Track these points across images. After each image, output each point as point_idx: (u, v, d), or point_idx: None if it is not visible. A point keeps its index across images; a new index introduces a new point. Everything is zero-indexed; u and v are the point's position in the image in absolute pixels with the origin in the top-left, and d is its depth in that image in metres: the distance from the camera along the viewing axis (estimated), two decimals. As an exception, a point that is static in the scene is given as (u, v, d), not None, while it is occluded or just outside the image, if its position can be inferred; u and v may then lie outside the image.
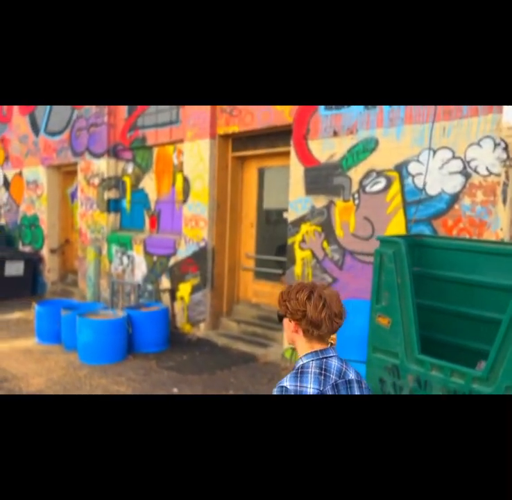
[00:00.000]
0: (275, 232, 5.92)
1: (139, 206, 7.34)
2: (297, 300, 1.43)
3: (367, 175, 4.46)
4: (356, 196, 4.55)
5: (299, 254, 5.05)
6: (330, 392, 1.42)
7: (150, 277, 6.87)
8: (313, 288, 1.45)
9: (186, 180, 6.30)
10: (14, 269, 8.61)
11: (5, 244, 9.69)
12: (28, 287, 8.85)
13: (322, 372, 1.44)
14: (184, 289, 6.38)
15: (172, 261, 6.55)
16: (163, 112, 6.75)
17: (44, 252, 9.07)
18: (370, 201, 4.45)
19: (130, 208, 7.50)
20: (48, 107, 8.76)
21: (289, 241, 5.19)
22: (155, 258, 6.81)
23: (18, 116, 9.61)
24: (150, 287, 6.82)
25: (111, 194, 7.59)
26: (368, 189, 4.46)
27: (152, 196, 7.10)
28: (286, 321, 1.51)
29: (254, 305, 6.20)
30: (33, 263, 8.96)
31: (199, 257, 6.17)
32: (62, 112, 8.41)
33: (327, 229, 4.78)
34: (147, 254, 6.91)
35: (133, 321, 5.50)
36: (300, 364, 1.49)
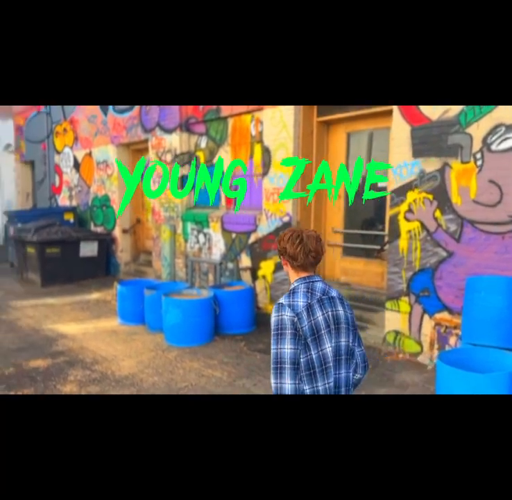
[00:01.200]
0: (367, 203, 5.38)
1: (214, 182, 7.01)
2: (283, 240, 1.84)
3: (493, 131, 3.81)
4: (478, 156, 3.92)
5: (404, 226, 4.50)
6: (316, 305, 1.77)
7: (228, 255, 6.56)
8: (295, 231, 1.84)
9: (266, 150, 5.87)
10: (89, 249, 8.63)
11: (78, 225, 9.77)
12: (102, 268, 8.87)
13: (309, 291, 1.80)
14: (267, 267, 6.02)
15: (252, 238, 6.19)
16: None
17: (116, 232, 9.02)
18: (498, 161, 3.80)
19: (206, 184, 7.19)
20: (116, 84, 8.56)
21: (391, 212, 4.64)
22: (233, 236, 6.48)
23: (86, 96, 9.52)
24: (230, 265, 6.52)
25: (184, 171, 7.31)
26: (494, 147, 3.82)
27: (228, 169, 6.73)
28: (282, 258, 1.89)
29: (343, 284, 5.73)
30: (106, 244, 8.95)
31: (283, 233, 5.76)
32: (130, 87, 8.18)
33: (441, 196, 4.19)
34: (225, 231, 6.59)
35: (219, 301, 5.21)
36: (292, 287, 1.84)
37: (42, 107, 11.28)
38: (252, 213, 6.22)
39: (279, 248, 1.87)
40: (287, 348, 1.69)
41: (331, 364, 1.75)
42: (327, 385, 1.74)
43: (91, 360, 4.61)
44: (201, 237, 7.01)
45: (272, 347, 1.73)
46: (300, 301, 1.75)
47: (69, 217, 9.73)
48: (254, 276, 6.20)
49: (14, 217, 9.68)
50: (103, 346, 5.04)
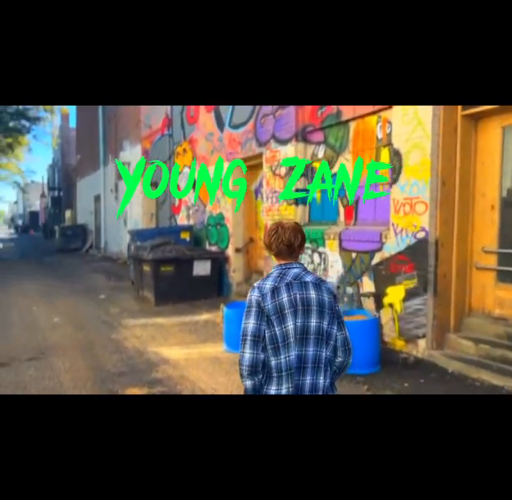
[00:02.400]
0: (533, 215, 4.13)
1: (327, 193, 6.24)
2: (265, 233, 2.11)
3: None
4: None
5: None
6: (284, 288, 1.97)
7: (347, 278, 5.68)
8: (275, 223, 2.10)
9: (396, 154, 4.94)
10: (202, 268, 8.39)
11: (194, 244, 9.69)
12: (214, 288, 8.57)
13: (280, 275, 2.02)
14: (395, 293, 5.01)
15: (377, 258, 5.24)
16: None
17: (229, 251, 8.69)
18: None
19: (321, 198, 6.45)
20: (232, 99, 8.35)
21: None
22: (353, 255, 5.60)
23: (204, 114, 9.53)
24: (349, 290, 5.63)
25: (299, 184, 6.66)
26: None
27: (347, 181, 5.91)
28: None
29: (497, 318, 4.48)
30: (219, 263, 8.66)
31: (416, 252, 4.73)
32: (246, 101, 7.88)
33: None
34: (343, 250, 5.74)
35: (336, 333, 4.36)
36: (269, 273, 2.08)
37: (166, 130, 11.68)
38: (377, 229, 5.29)
39: (264, 241, 2.13)
40: (251, 323, 1.93)
41: (292, 340, 1.94)
42: (288, 358, 1.94)
43: (188, 393, 4.08)
44: (316, 257, 6.24)
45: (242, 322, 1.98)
46: (268, 284, 1.98)
47: (185, 236, 9.71)
48: (379, 304, 5.22)
49: (135, 236, 9.96)
50: (204, 376, 4.50)
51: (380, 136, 5.41)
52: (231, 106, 8.39)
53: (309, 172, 6.60)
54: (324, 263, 6.09)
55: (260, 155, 7.58)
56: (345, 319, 5.01)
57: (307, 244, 6.35)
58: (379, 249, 5.20)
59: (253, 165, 8.31)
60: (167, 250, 8.10)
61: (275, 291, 1.95)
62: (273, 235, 2.03)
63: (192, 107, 10.07)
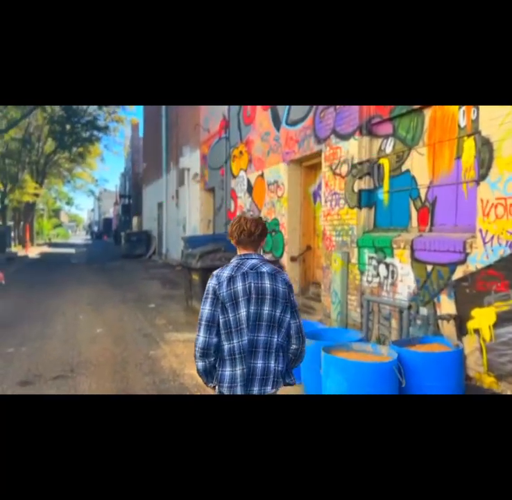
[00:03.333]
0: None
1: (401, 196, 5.30)
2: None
3: None
4: None
5: None
6: (239, 277, 2.08)
7: (421, 296, 4.71)
8: (239, 216, 2.20)
9: (485, 143, 3.95)
10: (254, 279, 7.70)
11: (248, 252, 9.06)
12: (268, 300, 7.84)
13: (238, 265, 2.12)
14: (483, 317, 3.99)
15: (459, 272, 4.24)
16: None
17: (284, 260, 7.94)
18: None
19: (389, 199, 5.52)
20: (289, 94, 7.64)
21: None
22: (429, 268, 4.62)
23: (261, 113, 8.90)
24: (423, 310, 4.65)
25: (363, 184, 5.78)
26: None
27: (423, 179, 4.95)
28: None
29: None
30: (273, 273, 7.92)
31: (512, 266, 3.71)
32: (304, 94, 7.13)
33: None
34: (416, 262, 4.78)
35: (406, 366, 3.45)
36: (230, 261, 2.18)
37: (223, 133, 11.21)
38: (459, 236, 4.30)
39: (228, 229, 2.24)
40: (206, 309, 2.08)
41: (245, 326, 2.07)
42: (240, 343, 2.07)
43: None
44: (382, 269, 5.31)
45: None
46: (225, 273, 2.10)
47: (239, 243, 9.10)
48: (462, 330, 4.21)
49: (187, 242, 9.51)
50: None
51: (463, 124, 4.42)
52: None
53: (374, 170, 5.70)
54: (392, 277, 5.16)
55: (319, 154, 6.78)
56: (419, 347, 4.08)
57: (372, 254, 5.44)
58: (462, 261, 4.20)
59: (311, 165, 7.53)
60: (217, 258, 7.51)
61: (231, 279, 2.07)
62: (235, 224, 2.16)
63: (249, 106, 9.48)
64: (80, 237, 69.15)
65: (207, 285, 2.10)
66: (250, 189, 9.52)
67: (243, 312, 2.05)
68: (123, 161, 43.27)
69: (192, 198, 14.52)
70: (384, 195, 5.61)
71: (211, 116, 12.29)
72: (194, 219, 14.24)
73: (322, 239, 6.71)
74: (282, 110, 7.93)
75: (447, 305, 4.38)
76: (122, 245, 23.48)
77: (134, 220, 30.50)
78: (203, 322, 2.06)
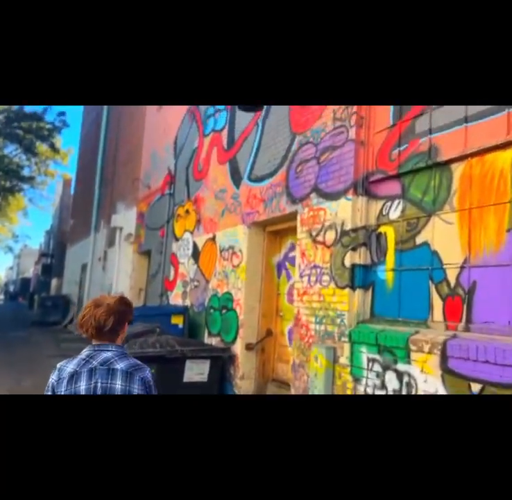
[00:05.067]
0: None
1: (415, 277, 3.90)
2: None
3: None
4: None
5: None
6: (85, 373, 1.82)
7: (461, 427, 3.15)
8: (93, 300, 1.98)
9: None
10: (197, 372, 5.82)
11: (188, 334, 7.20)
12: (212, 401, 5.92)
13: (87, 358, 1.87)
14: None
15: (532, 400, 2.76)
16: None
17: (237, 348, 6.18)
18: None
19: (395, 281, 4.11)
20: (255, 145, 6.37)
21: None
22: (474, 387, 3.12)
23: (215, 167, 7.53)
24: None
25: (357, 257, 4.38)
26: None
27: (451, 256, 3.60)
28: None
29: None
30: (222, 364, 6.11)
31: None
32: (275, 145, 5.87)
33: None
34: (451, 376, 3.27)
35: None
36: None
37: (166, 189, 9.69)
38: (526, 343, 2.88)
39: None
40: None
41: None
42: None
43: None
44: (391, 379, 3.74)
45: None
46: (69, 367, 1.86)
47: (178, 321, 7.25)
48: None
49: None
50: None
51: (518, 182, 3.21)
52: (253, 155, 6.38)
53: (373, 239, 4.34)
54: (407, 392, 3.59)
55: (293, 216, 5.38)
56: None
57: (373, 354, 3.88)
58: (536, 382, 2.75)
59: (278, 230, 6.12)
60: (149, 343, 5.59)
61: (74, 376, 1.84)
62: (85, 315, 1.93)
63: (201, 159, 8.12)
64: (-7, 298, 62.23)
65: (49, 379, 1.88)
66: (196, 254, 7.86)
67: None
68: (49, 217, 40.37)
69: (122, 262, 12.56)
70: (386, 274, 4.20)
71: (154, 170, 10.82)
72: (123, 286, 12.16)
73: (294, 325, 5.10)
74: (244, 163, 6.60)
75: None
76: (34, 310, 20.47)
77: (54, 282, 27.39)
78: None
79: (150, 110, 11.65)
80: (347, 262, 4.39)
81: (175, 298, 8.48)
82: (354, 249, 4.39)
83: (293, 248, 5.88)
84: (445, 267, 3.64)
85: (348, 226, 4.44)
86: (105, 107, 16.87)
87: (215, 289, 6.98)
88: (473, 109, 3.50)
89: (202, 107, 8.44)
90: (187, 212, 8.43)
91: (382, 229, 4.29)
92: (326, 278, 4.64)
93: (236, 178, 6.80)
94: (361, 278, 4.33)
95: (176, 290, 8.52)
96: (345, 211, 4.49)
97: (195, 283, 7.72)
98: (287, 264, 6.03)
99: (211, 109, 8.06)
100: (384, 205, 4.31)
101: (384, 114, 4.38)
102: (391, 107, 4.29)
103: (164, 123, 10.53)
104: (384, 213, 4.31)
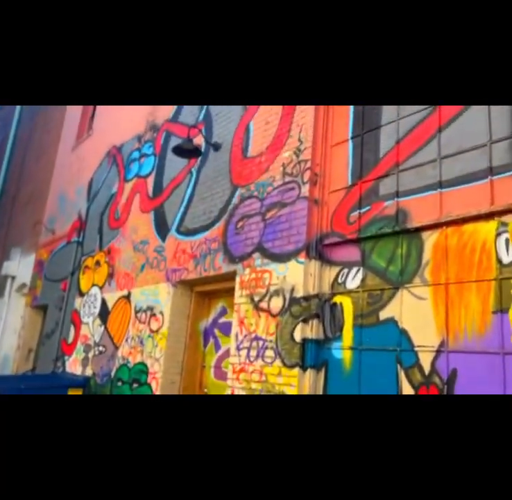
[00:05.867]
0: None
1: (379, 359, 3.35)
2: None
3: None
4: None
5: None
6: None
7: None
8: None
9: None
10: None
11: (88, 412, 5.91)
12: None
13: None
14: None
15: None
16: (452, 159, 3.19)
17: (150, 433, 5.08)
18: None
19: (353, 362, 3.52)
20: (187, 194, 5.70)
21: None
22: None
23: (137, 215, 6.69)
24: None
25: (308, 331, 3.76)
26: None
27: (424, 338, 3.12)
28: None
29: None
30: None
31: None
32: (212, 196, 5.26)
33: None
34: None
35: None
36: None
37: (74, 236, 8.53)
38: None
39: None
40: None
41: None
42: None
43: None
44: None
45: None
46: None
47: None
48: None
49: (-13, 390, 5.96)
50: None
51: (501, 256, 2.87)
52: (184, 205, 5.69)
53: (326, 310, 3.78)
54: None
55: (231, 277, 4.69)
56: None
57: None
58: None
59: (208, 292, 5.37)
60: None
61: None
62: None
63: (120, 206, 7.23)
64: None
65: None
66: (104, 313, 6.73)
67: None
68: None
69: (10, 316, 10.73)
70: (342, 352, 3.61)
71: (61, 214, 9.60)
72: (8, 345, 10.28)
73: (226, 409, 4.24)
74: (173, 213, 5.87)
75: None
76: None
77: None
78: None
79: (64, 147, 10.58)
80: (298, 336, 3.75)
81: (73, 365, 7.13)
82: (305, 321, 3.78)
83: (224, 312, 5.15)
84: (416, 349, 3.14)
85: (299, 293, 3.85)
86: (11, 136, 15.23)
87: (125, 358, 5.89)
88: (448, 174, 3.21)
89: (125, 150, 7.67)
90: (98, 263, 7.34)
91: (338, 299, 3.76)
92: (270, 353, 3.94)
93: (161, 229, 6.02)
94: (312, 356, 3.70)
95: (75, 355, 7.19)
96: (296, 275, 3.92)
97: (101, 349, 6.53)
98: (216, 331, 5.24)
99: (136, 152, 7.33)
100: (340, 271, 3.81)
101: (340, 172, 4.00)
102: (350, 165, 3.93)
103: (78, 164, 9.51)
104: (339, 281, 3.80)
